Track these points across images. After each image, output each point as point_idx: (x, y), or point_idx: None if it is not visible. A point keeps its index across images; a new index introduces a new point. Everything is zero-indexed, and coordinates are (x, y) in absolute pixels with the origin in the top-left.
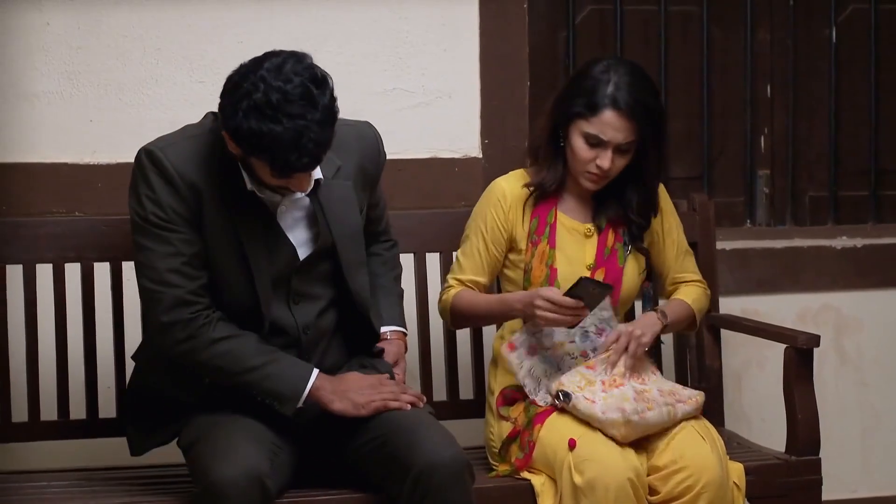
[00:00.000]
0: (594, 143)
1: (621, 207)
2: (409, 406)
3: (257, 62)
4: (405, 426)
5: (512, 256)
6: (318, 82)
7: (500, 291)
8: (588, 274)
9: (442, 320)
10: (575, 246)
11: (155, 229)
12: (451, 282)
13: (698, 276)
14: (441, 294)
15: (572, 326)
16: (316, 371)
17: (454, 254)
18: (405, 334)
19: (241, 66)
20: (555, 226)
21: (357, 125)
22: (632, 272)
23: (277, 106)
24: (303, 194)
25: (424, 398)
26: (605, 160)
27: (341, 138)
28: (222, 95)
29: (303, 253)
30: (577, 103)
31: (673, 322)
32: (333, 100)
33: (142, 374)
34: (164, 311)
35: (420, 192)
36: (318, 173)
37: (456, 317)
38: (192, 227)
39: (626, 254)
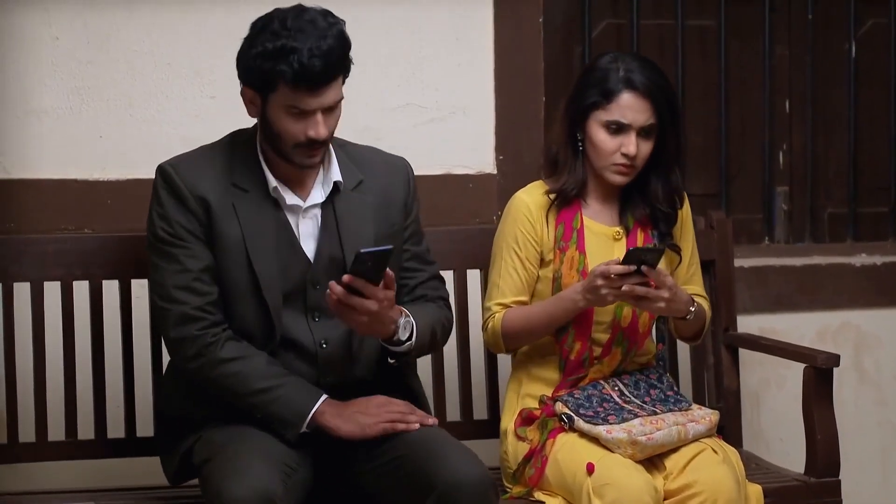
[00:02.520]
0: (616, 129)
1: (647, 204)
2: (416, 426)
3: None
4: (427, 445)
5: (540, 269)
6: (340, 35)
7: None
8: None
9: (492, 350)
10: (604, 251)
11: (164, 246)
12: (494, 308)
13: (704, 293)
14: (486, 322)
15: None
16: (324, 397)
17: (468, 271)
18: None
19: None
20: (582, 231)
21: (388, 155)
22: None
23: (291, 26)
24: (331, 182)
25: (436, 419)
26: (631, 145)
27: (367, 159)
28: (240, 48)
29: (317, 265)
30: (591, 94)
31: (691, 321)
32: (348, 44)
33: (166, 398)
34: (172, 327)
35: (434, 210)
36: (336, 174)
37: (509, 338)
38: (200, 243)
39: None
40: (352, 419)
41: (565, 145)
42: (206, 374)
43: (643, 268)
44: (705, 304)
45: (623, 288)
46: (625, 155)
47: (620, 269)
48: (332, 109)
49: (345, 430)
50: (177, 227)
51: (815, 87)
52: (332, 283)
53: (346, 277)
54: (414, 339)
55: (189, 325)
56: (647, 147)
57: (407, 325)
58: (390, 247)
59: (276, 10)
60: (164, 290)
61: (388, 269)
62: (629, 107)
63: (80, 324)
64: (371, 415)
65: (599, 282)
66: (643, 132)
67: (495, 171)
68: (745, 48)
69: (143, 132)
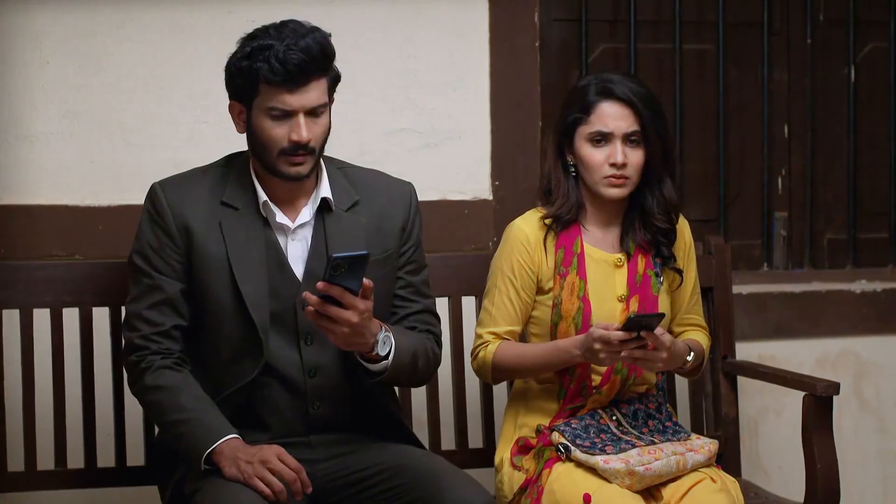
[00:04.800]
0: (600, 140)
1: (647, 229)
2: (268, 492)
3: None
4: (431, 473)
5: (538, 297)
6: (322, 39)
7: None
8: (622, 306)
9: (479, 378)
10: (604, 278)
11: (134, 271)
12: (486, 336)
13: (704, 322)
14: (476, 351)
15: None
16: (226, 437)
17: (463, 298)
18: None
19: None
20: (582, 256)
21: (391, 179)
22: (666, 302)
23: (272, 32)
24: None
25: (304, 485)
26: (617, 153)
27: (367, 181)
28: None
29: (307, 287)
30: (572, 111)
31: (689, 369)
32: (329, 48)
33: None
34: (122, 354)
35: (429, 236)
36: (325, 192)
37: (498, 371)
38: (168, 275)
39: (660, 284)
40: (237, 464)
41: (556, 169)
42: (140, 400)
43: (642, 332)
44: (704, 339)
45: (622, 353)
46: (613, 165)
47: (620, 335)
48: (315, 115)
49: (228, 473)
50: (149, 256)
51: (814, 112)
52: (307, 294)
53: (320, 285)
54: (392, 356)
55: (132, 353)
56: (636, 156)
57: (386, 340)
58: (365, 252)
59: (261, 26)
60: (126, 316)
61: (365, 278)
62: (609, 115)
63: (70, 351)
64: (253, 464)
65: (597, 346)
66: (629, 140)
67: (491, 197)
68: (743, 72)
69: (136, 157)
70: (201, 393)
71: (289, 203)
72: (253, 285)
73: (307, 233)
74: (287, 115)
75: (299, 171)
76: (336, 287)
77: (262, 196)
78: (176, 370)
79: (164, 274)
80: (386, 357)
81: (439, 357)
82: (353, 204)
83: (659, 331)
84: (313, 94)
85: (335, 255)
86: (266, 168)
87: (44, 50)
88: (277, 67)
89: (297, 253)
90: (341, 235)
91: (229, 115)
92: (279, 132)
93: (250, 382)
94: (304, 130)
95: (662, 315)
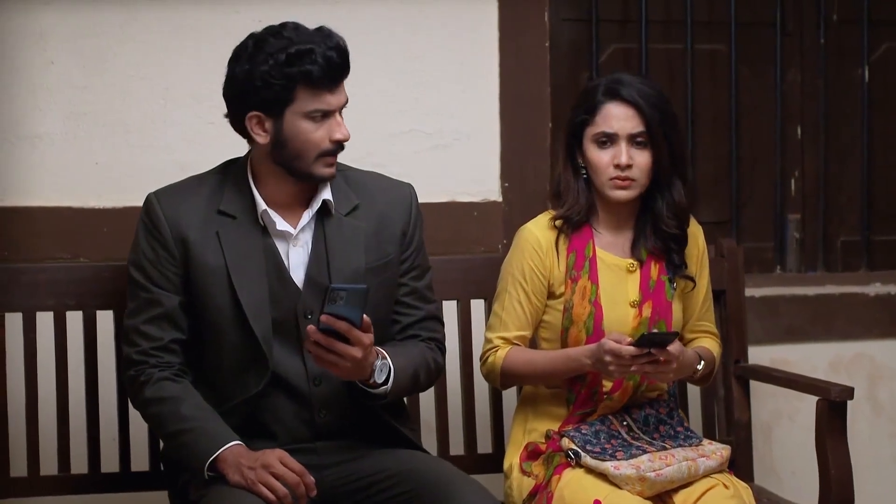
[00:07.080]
0: (605, 141)
1: (658, 236)
2: (272, 497)
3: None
4: (438, 479)
5: (549, 301)
6: (340, 37)
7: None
8: (634, 312)
9: (487, 382)
10: (616, 283)
11: (133, 286)
12: (497, 341)
13: (715, 329)
14: (486, 355)
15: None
16: (227, 445)
17: (472, 301)
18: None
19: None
20: (594, 260)
21: (391, 181)
22: (679, 308)
23: (291, 35)
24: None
25: (308, 488)
26: (622, 155)
27: (367, 184)
28: (233, 76)
29: (308, 293)
30: (579, 113)
31: (699, 378)
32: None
33: None
34: (123, 370)
35: (437, 237)
36: (327, 193)
37: (507, 377)
38: (165, 288)
39: (673, 290)
40: (240, 470)
41: (566, 171)
42: (142, 413)
43: (653, 349)
44: (715, 346)
45: (632, 368)
46: (617, 166)
47: (632, 350)
48: (342, 112)
49: (232, 480)
50: (146, 269)
51: (827, 113)
52: (311, 328)
53: (324, 318)
54: (391, 383)
55: (131, 368)
56: (642, 157)
57: (384, 367)
58: (364, 286)
59: (260, 32)
60: (125, 330)
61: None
62: (613, 116)
63: (74, 355)
64: (256, 469)
65: (608, 358)
66: (634, 142)
67: (500, 199)
68: (756, 73)
69: (140, 159)
70: (202, 402)
71: (288, 208)
72: (253, 295)
73: (307, 237)
74: (326, 115)
75: (333, 171)
76: (343, 322)
77: (262, 205)
78: (175, 381)
79: (161, 287)
80: (384, 383)
81: (441, 365)
82: (353, 208)
83: (678, 351)
84: (343, 92)
85: (334, 285)
86: (296, 174)
87: (48, 50)
88: (325, 68)
89: (297, 260)
90: (341, 241)
91: None
92: (319, 134)
93: (256, 393)
94: (345, 128)
95: (676, 334)
